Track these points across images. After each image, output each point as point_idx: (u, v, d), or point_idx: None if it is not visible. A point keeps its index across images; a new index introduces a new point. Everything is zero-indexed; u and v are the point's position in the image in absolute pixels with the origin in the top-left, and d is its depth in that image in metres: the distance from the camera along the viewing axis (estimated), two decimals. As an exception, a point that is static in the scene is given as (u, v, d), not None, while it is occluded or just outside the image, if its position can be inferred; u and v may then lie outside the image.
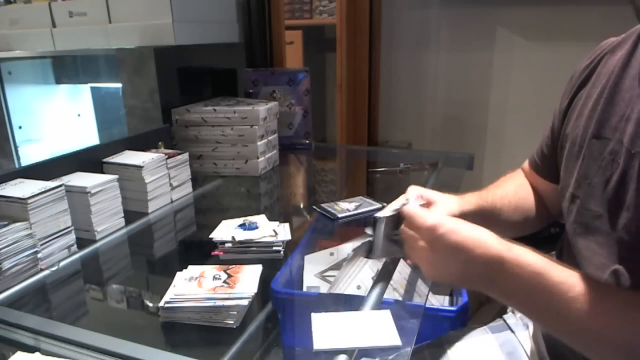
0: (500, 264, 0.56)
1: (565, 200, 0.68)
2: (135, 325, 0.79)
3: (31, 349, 0.63)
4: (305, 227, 1.09)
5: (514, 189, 0.84)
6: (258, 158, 1.39)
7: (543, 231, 1.10)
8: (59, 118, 1.90)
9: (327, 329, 0.59)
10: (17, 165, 1.76)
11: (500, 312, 0.90)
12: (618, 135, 0.59)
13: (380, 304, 0.64)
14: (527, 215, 0.82)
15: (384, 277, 0.70)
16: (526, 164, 0.87)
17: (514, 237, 0.87)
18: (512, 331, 0.83)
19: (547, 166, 0.79)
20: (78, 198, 0.98)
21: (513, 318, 0.86)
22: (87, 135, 1.91)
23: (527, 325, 0.84)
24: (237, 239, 0.93)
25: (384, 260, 0.73)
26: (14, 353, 0.60)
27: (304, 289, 0.84)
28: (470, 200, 0.79)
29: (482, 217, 0.77)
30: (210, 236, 0.95)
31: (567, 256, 0.71)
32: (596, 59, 0.69)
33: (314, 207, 1.14)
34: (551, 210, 0.83)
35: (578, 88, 0.70)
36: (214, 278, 0.77)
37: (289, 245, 0.95)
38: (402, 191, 0.76)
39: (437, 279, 0.64)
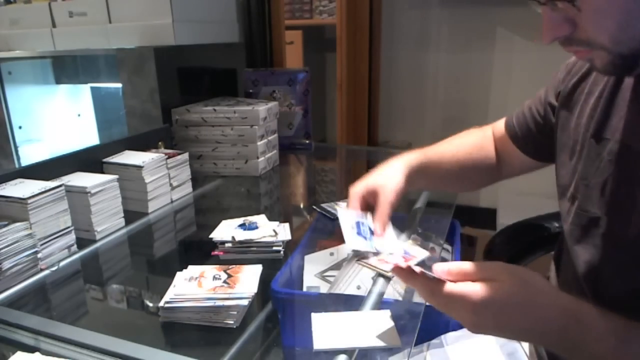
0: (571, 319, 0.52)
1: (565, 201, 0.67)
2: (135, 325, 0.79)
3: (31, 349, 0.63)
4: (305, 227, 1.09)
5: (476, 151, 0.87)
6: (258, 158, 1.39)
7: (543, 230, 1.10)
8: (59, 118, 1.90)
9: (327, 329, 0.59)
10: (17, 165, 1.76)
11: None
12: (617, 135, 0.58)
13: (380, 304, 0.64)
14: (479, 175, 0.87)
15: (384, 276, 0.69)
16: (501, 127, 0.86)
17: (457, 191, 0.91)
18: None
19: (529, 142, 0.80)
20: (78, 198, 0.98)
21: None
22: (87, 135, 1.91)
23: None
24: (237, 239, 0.93)
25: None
26: (14, 353, 0.60)
27: (304, 289, 0.84)
28: (413, 163, 0.79)
29: (425, 174, 0.80)
30: (210, 236, 0.95)
31: (565, 258, 0.71)
32: None
33: (314, 207, 1.14)
34: (503, 174, 0.87)
35: (580, 79, 0.68)
36: (214, 278, 0.77)
37: (289, 245, 0.95)
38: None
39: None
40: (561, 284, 0.72)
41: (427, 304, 0.74)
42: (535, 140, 0.79)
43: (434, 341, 0.81)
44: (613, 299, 0.57)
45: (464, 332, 0.83)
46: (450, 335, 0.82)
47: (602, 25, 0.48)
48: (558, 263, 0.76)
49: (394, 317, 0.61)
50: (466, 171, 0.86)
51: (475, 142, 0.88)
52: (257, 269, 0.80)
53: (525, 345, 0.81)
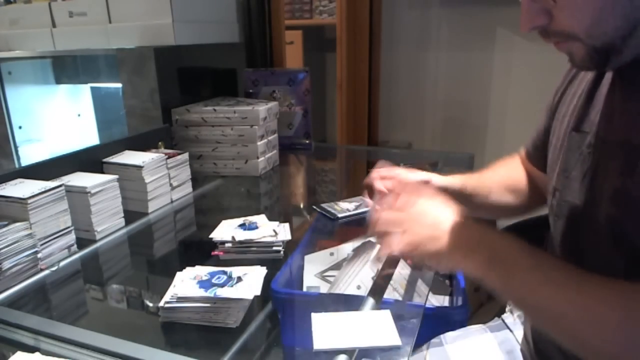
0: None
1: (549, 195, 0.69)
2: (135, 325, 0.79)
3: (31, 349, 0.63)
4: (305, 227, 1.09)
5: (507, 172, 0.88)
6: (258, 158, 1.39)
7: (543, 230, 1.10)
8: (59, 118, 1.90)
9: (327, 329, 0.59)
10: (17, 165, 1.76)
11: (499, 312, 0.90)
12: (595, 128, 0.60)
13: (380, 304, 0.65)
14: (520, 198, 0.86)
15: (383, 277, 0.70)
16: (522, 151, 0.88)
17: (504, 218, 0.92)
18: (511, 330, 0.84)
19: (539, 157, 0.81)
20: (78, 198, 0.98)
21: (511, 317, 0.86)
22: (87, 135, 1.91)
23: (524, 324, 0.84)
24: (237, 239, 0.93)
25: (383, 260, 0.73)
26: (14, 353, 0.60)
27: (304, 289, 0.84)
28: (454, 180, 0.83)
29: (464, 197, 0.82)
30: (210, 236, 0.95)
31: (551, 250, 0.71)
32: None
33: (314, 207, 1.14)
34: (545, 197, 0.85)
35: (568, 83, 0.71)
36: (215, 278, 0.77)
37: (289, 245, 0.95)
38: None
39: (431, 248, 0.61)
40: None
41: (427, 305, 0.75)
42: (544, 156, 0.78)
43: (434, 340, 0.81)
44: None
45: (463, 331, 0.83)
46: (450, 334, 0.82)
47: (576, 19, 0.51)
48: None
49: (394, 317, 0.61)
50: (510, 193, 0.86)
51: (510, 166, 0.89)
52: (261, 271, 0.79)
53: (523, 344, 0.81)
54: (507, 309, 0.89)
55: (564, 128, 0.67)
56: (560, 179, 0.65)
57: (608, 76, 0.61)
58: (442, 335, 0.82)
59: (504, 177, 0.87)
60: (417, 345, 0.80)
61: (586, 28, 0.51)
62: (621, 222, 0.55)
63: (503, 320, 0.86)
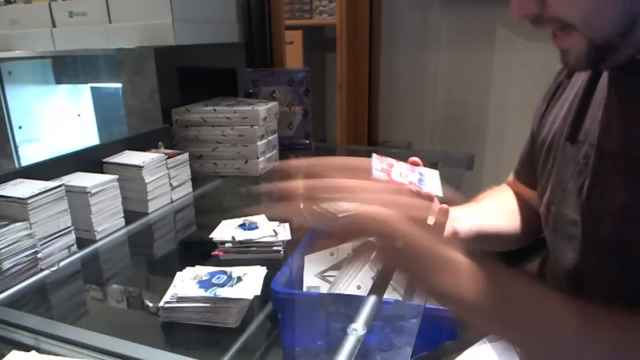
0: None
1: (543, 207, 0.66)
2: (135, 325, 0.79)
3: (31, 349, 0.63)
4: (305, 227, 1.09)
5: (509, 201, 0.83)
6: (258, 158, 1.39)
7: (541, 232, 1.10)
8: (59, 118, 1.90)
9: None
10: (17, 165, 1.76)
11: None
12: (590, 138, 0.58)
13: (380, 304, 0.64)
14: (514, 224, 0.81)
15: (383, 278, 0.69)
16: (511, 176, 0.86)
17: (511, 249, 0.83)
18: None
19: (526, 172, 0.79)
20: (78, 198, 0.98)
21: None
22: (87, 135, 1.91)
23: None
24: (237, 239, 0.93)
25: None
26: (12, 353, 0.60)
27: (304, 289, 0.84)
28: (471, 221, 0.75)
29: (483, 236, 0.75)
30: (210, 236, 0.95)
31: (550, 264, 0.70)
32: None
33: (314, 207, 1.13)
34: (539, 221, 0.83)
35: (555, 91, 0.69)
36: (215, 278, 0.77)
37: (289, 245, 0.95)
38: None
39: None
40: None
41: (427, 305, 0.74)
42: (532, 170, 0.75)
43: (431, 353, 0.81)
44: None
45: (462, 343, 0.82)
46: (448, 346, 0.81)
47: (572, 4, 0.47)
48: (542, 272, 0.76)
49: (394, 317, 0.61)
50: (515, 222, 0.81)
51: (506, 194, 0.85)
52: (261, 271, 0.79)
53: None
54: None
55: (555, 136, 0.65)
56: (556, 191, 0.63)
57: (602, 82, 0.58)
58: (439, 347, 0.81)
59: (508, 207, 0.82)
60: (415, 358, 0.79)
61: (583, 16, 0.47)
62: (630, 240, 0.52)
63: None
